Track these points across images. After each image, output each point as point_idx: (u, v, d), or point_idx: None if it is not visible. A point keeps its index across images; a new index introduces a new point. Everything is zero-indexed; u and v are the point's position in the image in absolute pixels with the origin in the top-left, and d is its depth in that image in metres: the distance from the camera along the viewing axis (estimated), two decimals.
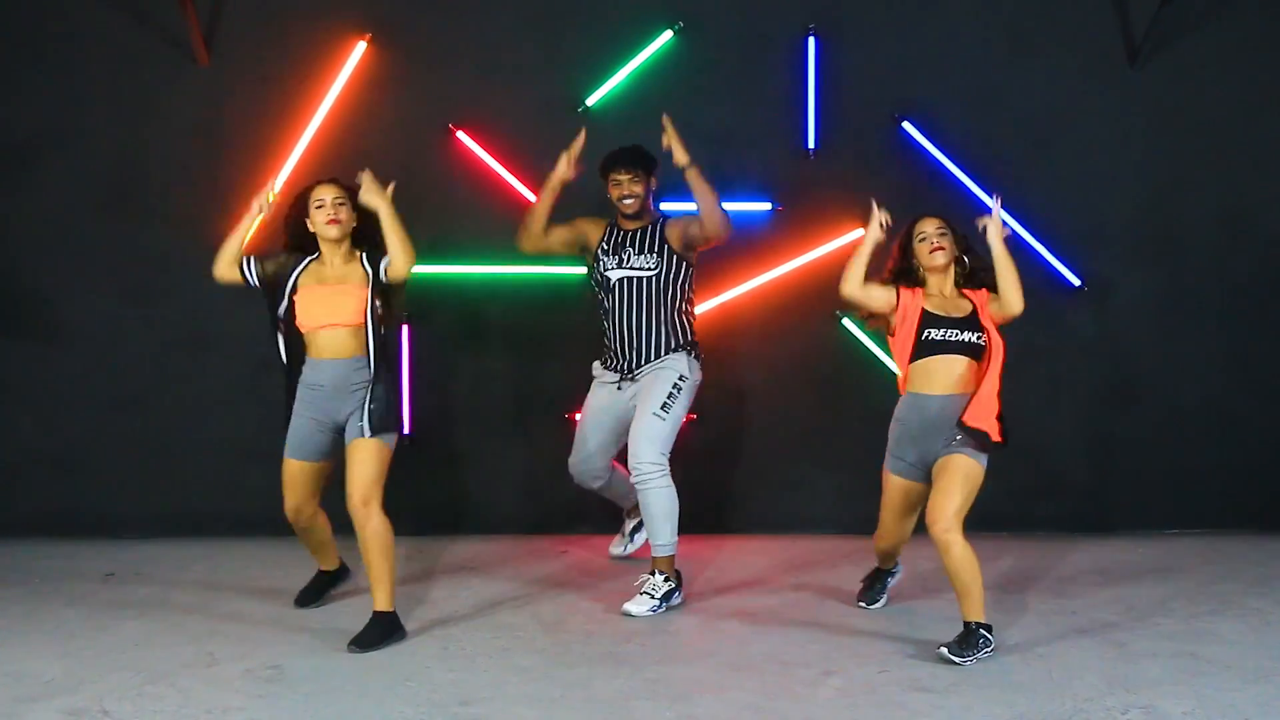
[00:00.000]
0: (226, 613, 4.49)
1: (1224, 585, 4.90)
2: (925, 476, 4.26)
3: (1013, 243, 4.36)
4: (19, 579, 5.06)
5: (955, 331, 4.21)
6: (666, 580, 4.61)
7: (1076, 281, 5.88)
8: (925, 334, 4.22)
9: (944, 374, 4.20)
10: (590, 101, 5.81)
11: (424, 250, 5.82)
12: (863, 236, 4.34)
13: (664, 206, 5.80)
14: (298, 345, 4.38)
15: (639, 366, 4.90)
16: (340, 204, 4.36)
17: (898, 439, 4.31)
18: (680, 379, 4.80)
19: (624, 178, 4.90)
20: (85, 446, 5.88)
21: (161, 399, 5.84)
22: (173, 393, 5.84)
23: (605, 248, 4.98)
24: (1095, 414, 5.97)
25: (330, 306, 4.31)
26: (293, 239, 4.46)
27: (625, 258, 4.93)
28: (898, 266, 4.40)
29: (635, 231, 4.96)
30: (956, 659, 3.90)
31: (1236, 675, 3.79)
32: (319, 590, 4.71)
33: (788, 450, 5.88)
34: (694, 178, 4.79)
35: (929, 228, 4.33)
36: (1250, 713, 3.47)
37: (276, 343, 4.39)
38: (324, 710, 3.52)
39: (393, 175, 5.73)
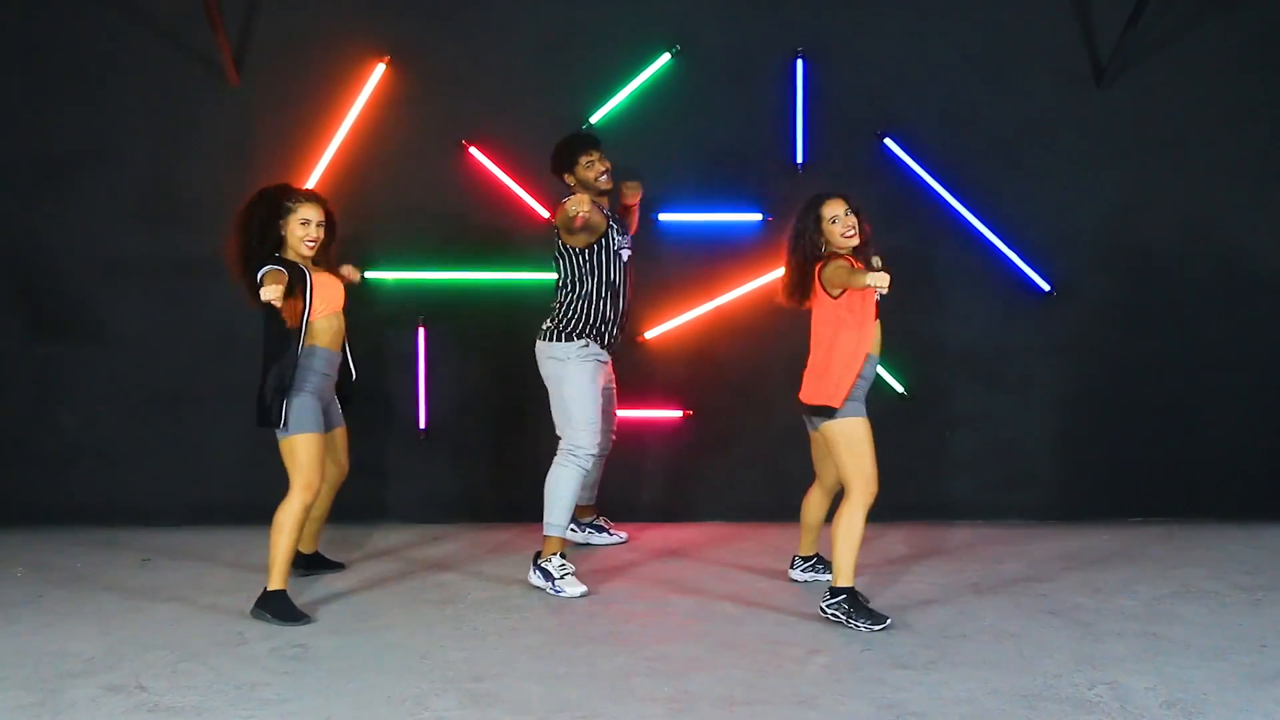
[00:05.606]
0: (255, 595, 4.47)
1: (1184, 570, 4.90)
2: None
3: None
4: (62, 564, 5.08)
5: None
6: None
7: (1046, 286, 5.89)
8: (877, 298, 4.16)
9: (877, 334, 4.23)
10: (594, 119, 5.82)
11: (437, 257, 5.90)
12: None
13: (663, 217, 5.85)
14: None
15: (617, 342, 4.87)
16: (320, 226, 4.34)
17: (861, 389, 4.18)
18: None
19: (597, 155, 4.77)
20: (124, 440, 5.89)
21: (195, 396, 5.85)
22: (205, 390, 5.85)
23: (614, 226, 4.73)
24: (1063, 410, 5.98)
25: (334, 291, 4.41)
26: (254, 237, 4.23)
27: (623, 234, 4.86)
28: (811, 249, 4.17)
29: (608, 208, 4.85)
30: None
31: (1195, 653, 3.80)
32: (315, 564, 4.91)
33: (775, 442, 5.88)
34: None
35: (840, 209, 4.17)
36: (1207, 688, 3.48)
37: (297, 338, 4.25)
38: (345, 686, 3.53)
39: (410, 187, 5.82)
